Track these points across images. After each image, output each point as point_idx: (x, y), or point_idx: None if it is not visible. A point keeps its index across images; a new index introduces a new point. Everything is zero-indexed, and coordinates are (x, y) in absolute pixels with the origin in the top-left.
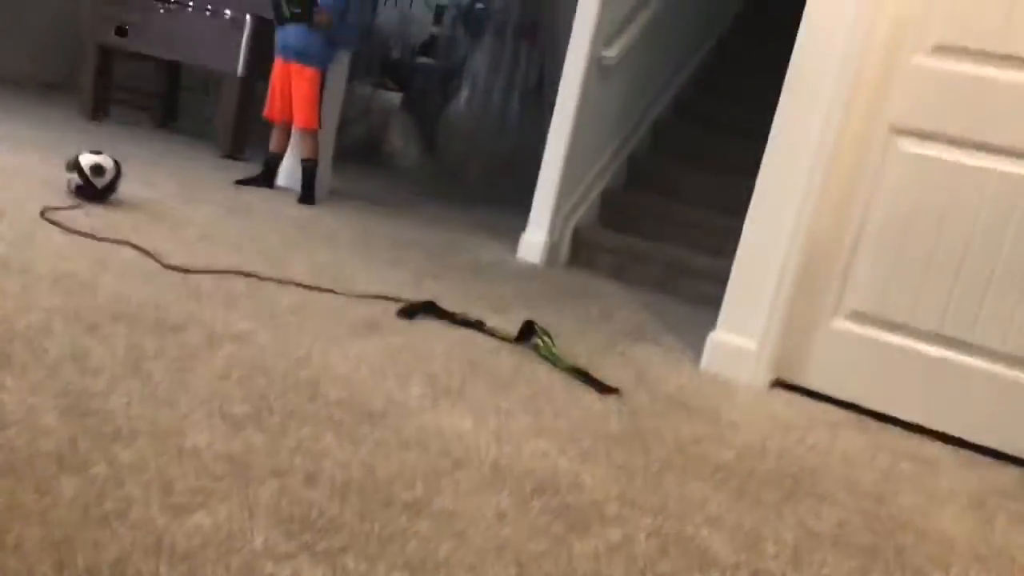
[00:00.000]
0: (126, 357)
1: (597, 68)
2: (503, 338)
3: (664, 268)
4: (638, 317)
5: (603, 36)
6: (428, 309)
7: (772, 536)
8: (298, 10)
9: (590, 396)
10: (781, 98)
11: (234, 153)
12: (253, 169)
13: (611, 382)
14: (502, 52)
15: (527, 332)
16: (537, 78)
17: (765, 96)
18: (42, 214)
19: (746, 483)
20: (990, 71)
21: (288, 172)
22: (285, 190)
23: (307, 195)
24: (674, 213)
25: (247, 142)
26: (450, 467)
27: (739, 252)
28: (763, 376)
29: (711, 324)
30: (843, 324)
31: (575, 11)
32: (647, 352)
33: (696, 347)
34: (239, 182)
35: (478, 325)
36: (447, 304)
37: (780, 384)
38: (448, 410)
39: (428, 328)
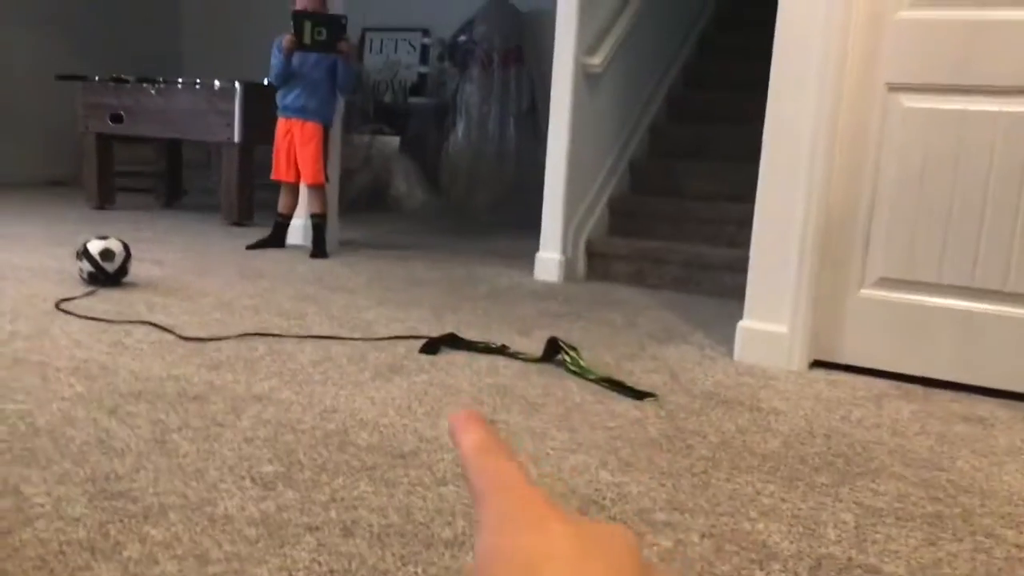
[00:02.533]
0: (150, 434)
1: (585, 78)
2: (529, 359)
3: (682, 267)
4: (663, 318)
5: (586, 46)
6: (450, 342)
7: (831, 520)
8: (322, 37)
9: (624, 404)
10: (771, 75)
11: (241, 220)
12: (262, 232)
13: (644, 387)
14: (491, 80)
15: (552, 350)
16: (529, 100)
17: (755, 81)
18: (57, 305)
19: (797, 469)
20: (977, 13)
21: (298, 229)
22: (297, 248)
23: (319, 249)
24: (684, 210)
25: (253, 207)
26: None
27: (755, 237)
28: (799, 359)
29: (739, 315)
30: (872, 293)
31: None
32: (678, 352)
33: (727, 340)
34: (250, 247)
35: (502, 350)
36: (469, 334)
37: (819, 364)
38: None
39: (452, 361)
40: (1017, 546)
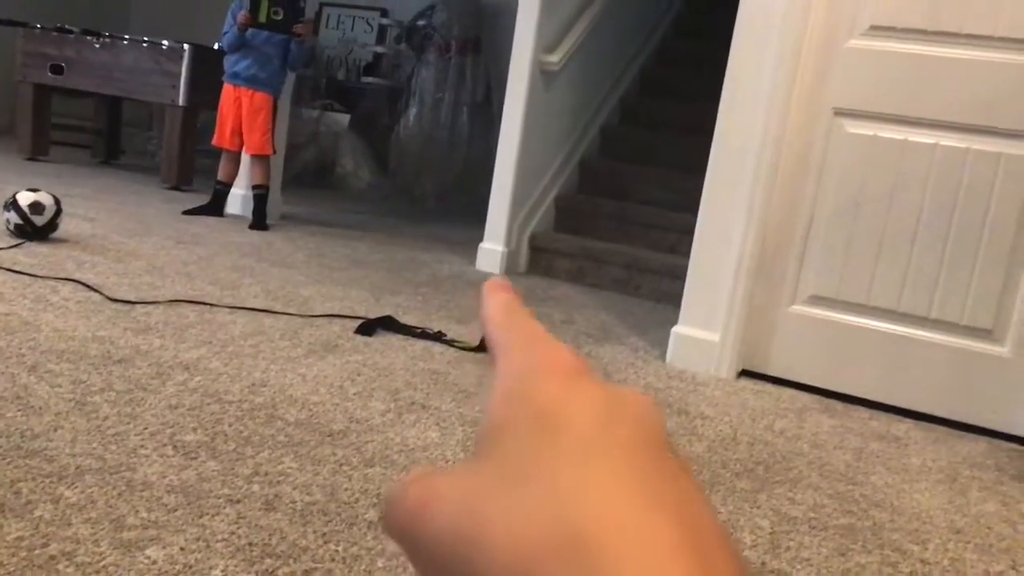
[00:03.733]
0: (70, 394)
1: (541, 75)
2: (465, 348)
3: (623, 269)
4: (600, 318)
5: (545, 43)
6: (386, 324)
7: (748, 525)
8: (278, 17)
9: None
10: (723, 91)
11: (180, 184)
12: (201, 199)
13: None
14: (447, 68)
15: None
16: (484, 92)
17: (709, 93)
18: None
19: (719, 474)
20: (923, 48)
21: (238, 199)
22: (236, 217)
23: (259, 221)
24: (628, 214)
25: (193, 172)
26: None
27: (695, 246)
28: (729, 367)
29: (674, 320)
30: (803, 309)
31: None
32: (612, 352)
33: (661, 344)
34: (187, 211)
35: (438, 336)
36: (408, 319)
37: (747, 374)
38: (412, 424)
39: (388, 343)
40: (923, 561)
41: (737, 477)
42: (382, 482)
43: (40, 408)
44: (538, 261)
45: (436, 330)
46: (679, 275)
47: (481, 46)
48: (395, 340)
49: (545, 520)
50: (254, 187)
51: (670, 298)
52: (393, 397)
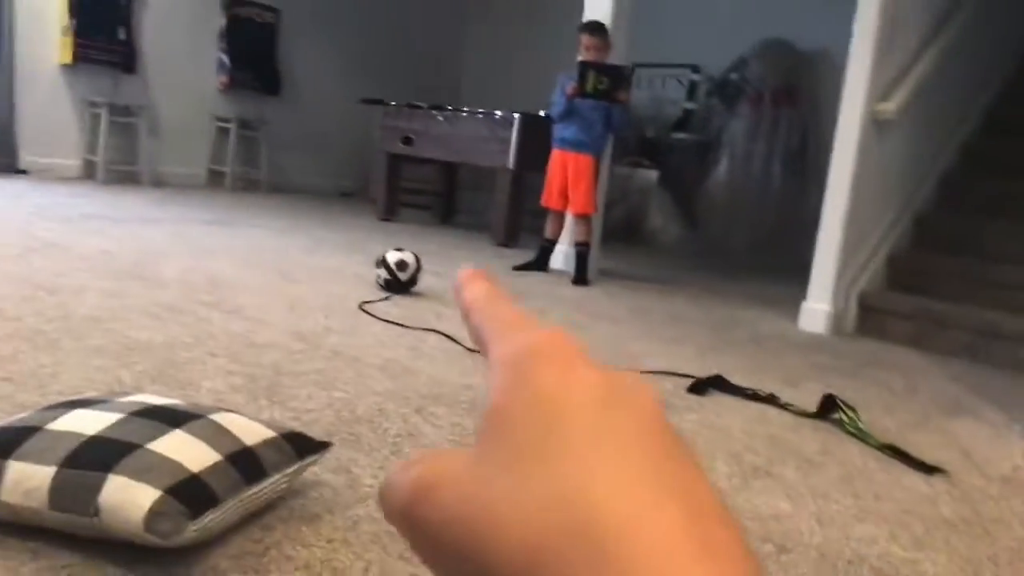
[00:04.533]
0: (451, 435)
1: (874, 124)
2: (801, 413)
3: (971, 333)
4: (949, 389)
5: (878, 90)
6: (717, 384)
7: None
8: (603, 86)
9: (911, 477)
10: None
11: (508, 241)
12: (526, 255)
13: (931, 461)
14: (760, 120)
15: (828, 406)
16: (800, 142)
17: None
18: (360, 307)
19: None
20: None
21: (561, 255)
22: (559, 273)
23: (581, 277)
24: (976, 271)
25: (519, 230)
26: (775, 551)
27: None
28: None
29: None
30: None
31: (839, 70)
32: (968, 428)
33: None
34: (517, 267)
35: (771, 399)
36: (736, 379)
37: None
38: (760, 491)
39: (721, 404)
40: None
41: None
42: None
43: (429, 445)
44: (869, 323)
45: (768, 392)
46: None
47: (797, 95)
48: (728, 400)
49: (554, 506)
50: (577, 244)
51: None
52: (736, 460)
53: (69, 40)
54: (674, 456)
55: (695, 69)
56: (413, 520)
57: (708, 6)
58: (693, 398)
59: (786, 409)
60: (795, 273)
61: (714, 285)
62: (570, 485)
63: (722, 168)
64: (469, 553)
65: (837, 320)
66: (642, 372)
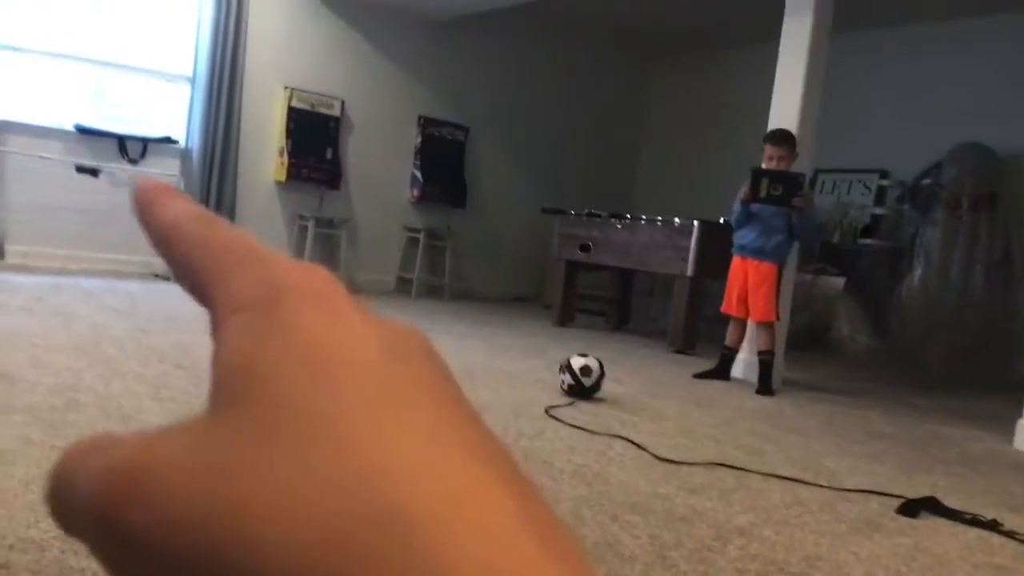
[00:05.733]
0: (650, 546)
1: None
2: None
3: None
4: None
5: None
6: (930, 506)
7: None
8: (777, 192)
9: None
10: None
11: (685, 348)
12: (705, 363)
13: None
14: (957, 226)
15: None
16: (1003, 250)
17: None
18: (546, 411)
19: None
20: None
21: (742, 365)
22: (741, 382)
23: (765, 386)
24: None
25: (697, 338)
26: None
27: None
28: None
29: None
30: None
31: None
32: None
33: None
34: (697, 375)
35: (993, 525)
36: (949, 502)
37: None
38: None
39: (935, 528)
40: None
41: None
42: None
43: (630, 557)
44: None
45: (990, 518)
46: None
47: (998, 201)
48: (943, 525)
49: (344, 489)
50: (760, 353)
51: None
52: None
53: (284, 160)
54: (471, 416)
55: (883, 174)
56: (117, 528)
57: (899, 110)
58: (904, 520)
59: (1012, 537)
60: (1002, 389)
61: (911, 399)
62: (363, 461)
63: (916, 275)
64: (211, 566)
65: None
66: (843, 490)
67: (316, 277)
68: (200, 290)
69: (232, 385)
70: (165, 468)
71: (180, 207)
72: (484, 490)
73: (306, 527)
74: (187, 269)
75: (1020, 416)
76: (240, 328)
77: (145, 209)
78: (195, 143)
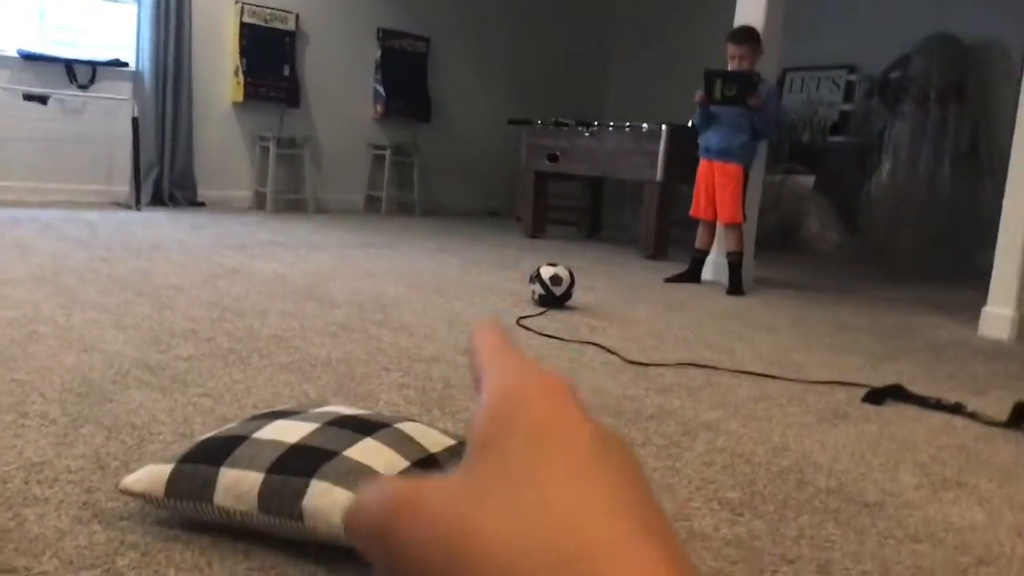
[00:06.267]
0: None
1: None
2: (991, 422)
3: None
4: None
5: None
6: (895, 394)
7: None
8: (731, 92)
9: None
10: None
11: (657, 254)
12: (678, 267)
13: None
14: (925, 119)
15: (1020, 415)
16: (970, 140)
17: None
18: (518, 322)
19: None
20: None
21: (713, 266)
22: (712, 284)
23: (735, 287)
24: None
25: (668, 243)
26: (973, 563)
27: None
28: None
29: None
30: None
31: (1014, 61)
32: None
33: None
34: (668, 279)
35: (958, 408)
36: (914, 388)
37: None
38: (952, 502)
39: (901, 414)
40: None
41: None
42: (933, 560)
43: None
44: None
45: (954, 401)
46: None
47: (965, 91)
48: (908, 411)
49: (543, 528)
50: (728, 254)
51: None
52: (922, 471)
53: (240, 79)
54: (652, 503)
55: (851, 70)
56: (391, 539)
57: (866, 2)
58: (869, 408)
59: (974, 419)
60: (969, 277)
61: (880, 292)
62: (560, 510)
63: (885, 170)
64: (451, 573)
65: (1023, 325)
66: (811, 382)
67: (554, 380)
68: (476, 382)
69: (479, 447)
70: (430, 500)
71: (490, 332)
72: (645, 549)
73: (512, 550)
74: (474, 370)
75: (985, 304)
76: (491, 408)
77: (471, 341)
78: (145, 65)
